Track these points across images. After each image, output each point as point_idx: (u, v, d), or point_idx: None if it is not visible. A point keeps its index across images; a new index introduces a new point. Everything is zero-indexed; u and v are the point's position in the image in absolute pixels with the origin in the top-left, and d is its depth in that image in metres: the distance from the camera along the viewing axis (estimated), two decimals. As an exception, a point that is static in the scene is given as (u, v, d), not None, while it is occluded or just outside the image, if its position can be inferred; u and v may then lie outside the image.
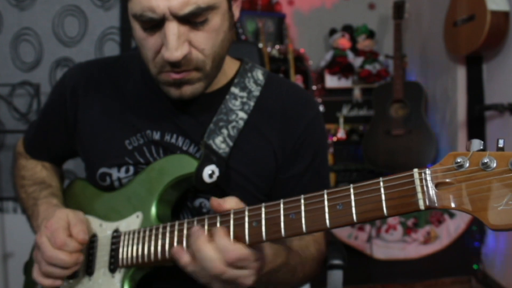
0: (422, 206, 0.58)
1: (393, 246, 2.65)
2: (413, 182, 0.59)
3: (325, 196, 0.66)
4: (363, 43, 3.48)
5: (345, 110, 3.41)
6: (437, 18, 2.96)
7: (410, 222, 2.66)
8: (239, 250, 0.72)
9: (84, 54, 2.20)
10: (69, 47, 2.22)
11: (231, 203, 0.77)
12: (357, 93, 3.39)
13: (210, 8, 0.83)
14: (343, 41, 3.46)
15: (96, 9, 2.21)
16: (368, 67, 3.37)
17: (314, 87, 3.22)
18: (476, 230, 2.67)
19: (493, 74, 2.62)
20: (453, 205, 0.56)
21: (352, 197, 0.63)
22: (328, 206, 0.65)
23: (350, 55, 3.43)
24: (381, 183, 0.61)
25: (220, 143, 0.95)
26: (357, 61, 3.43)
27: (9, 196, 2.28)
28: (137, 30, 0.87)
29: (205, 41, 0.86)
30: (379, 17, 3.70)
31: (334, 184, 3.08)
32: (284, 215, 0.69)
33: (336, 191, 0.65)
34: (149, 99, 0.99)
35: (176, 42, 0.83)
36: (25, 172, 1.14)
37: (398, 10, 3.15)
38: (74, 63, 2.20)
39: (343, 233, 2.63)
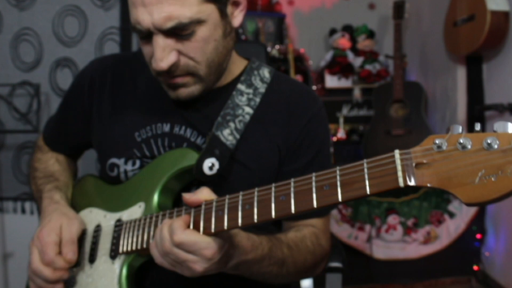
0: (401, 184, 0.61)
1: (393, 246, 2.65)
2: (394, 162, 0.62)
3: (313, 178, 0.69)
4: (363, 43, 3.47)
5: (345, 110, 3.41)
6: (437, 18, 2.96)
7: (410, 222, 2.66)
8: (184, 235, 0.76)
9: (84, 54, 2.20)
10: (69, 47, 2.22)
11: (202, 193, 0.81)
12: (357, 93, 3.39)
13: (194, 23, 0.87)
14: (343, 41, 3.46)
15: (96, 9, 2.21)
16: (368, 67, 3.37)
17: (314, 87, 3.22)
18: (476, 230, 2.67)
19: (493, 74, 2.62)
20: (429, 183, 0.59)
21: (338, 177, 0.67)
22: (316, 187, 0.69)
23: (350, 55, 3.43)
24: (365, 164, 0.65)
25: (228, 135, 0.98)
26: (357, 61, 3.42)
27: (9, 196, 2.28)
28: (139, 38, 0.94)
29: (194, 50, 0.91)
30: (379, 17, 3.70)
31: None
32: (275, 197, 0.72)
33: (324, 173, 0.69)
34: (160, 94, 1.03)
35: (161, 54, 0.88)
36: (39, 165, 1.18)
37: (398, 10, 3.14)
38: (74, 63, 2.21)
39: (343, 233, 2.63)
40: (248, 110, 1.01)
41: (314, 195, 0.68)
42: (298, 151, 1.03)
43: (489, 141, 0.56)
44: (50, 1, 2.20)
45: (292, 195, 0.70)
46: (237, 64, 1.07)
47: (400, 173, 0.61)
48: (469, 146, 0.57)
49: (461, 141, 0.58)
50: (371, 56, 3.42)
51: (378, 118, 3.16)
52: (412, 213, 2.67)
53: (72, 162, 1.24)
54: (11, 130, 2.21)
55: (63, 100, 1.18)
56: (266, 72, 1.07)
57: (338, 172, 0.67)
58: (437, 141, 0.60)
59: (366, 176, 0.64)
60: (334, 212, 2.69)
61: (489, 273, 2.65)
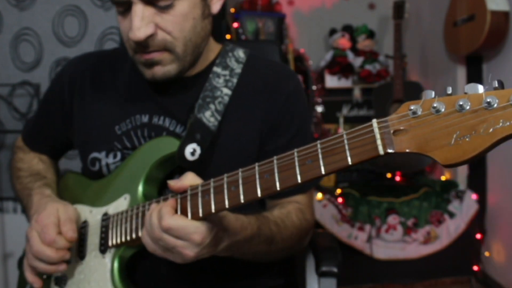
0: (381, 151, 0.62)
1: (393, 246, 2.65)
2: (372, 131, 0.63)
3: (295, 154, 0.70)
4: (363, 43, 3.47)
5: (345, 110, 3.41)
6: (437, 18, 2.96)
7: (410, 222, 2.66)
8: (172, 220, 0.76)
9: (84, 54, 2.20)
10: (69, 47, 2.22)
11: (187, 178, 0.81)
12: (357, 93, 3.39)
13: None
14: (343, 41, 3.45)
15: (96, 9, 2.21)
16: (368, 67, 3.37)
17: (314, 87, 3.22)
18: (476, 230, 2.67)
19: (493, 74, 2.62)
20: (407, 149, 0.60)
21: (319, 151, 0.67)
22: (299, 162, 0.69)
23: (350, 55, 3.43)
24: (345, 135, 0.65)
25: (209, 116, 0.98)
26: (357, 61, 3.42)
27: (9, 196, 2.28)
28: (117, 15, 0.95)
29: (172, 24, 0.91)
30: (379, 17, 3.70)
31: (334, 184, 3.08)
32: (260, 176, 0.73)
33: (306, 148, 0.69)
34: (138, 86, 1.05)
35: (139, 23, 0.89)
36: (22, 165, 1.17)
37: (398, 10, 3.14)
38: (74, 63, 2.20)
39: (343, 233, 2.63)
40: (227, 91, 1.02)
41: (298, 170, 0.69)
42: (279, 129, 1.04)
43: (461, 103, 0.56)
44: (50, 1, 2.20)
45: (276, 172, 0.71)
46: (212, 49, 1.07)
47: (379, 141, 0.62)
48: (442, 110, 0.58)
49: (435, 105, 0.59)
50: (371, 56, 3.42)
51: (378, 118, 3.15)
52: (412, 213, 2.67)
53: (54, 162, 1.23)
54: (11, 130, 2.21)
55: (43, 100, 1.18)
56: (241, 53, 1.08)
57: (319, 145, 0.68)
58: (412, 107, 0.61)
59: (347, 147, 0.64)
60: (334, 212, 2.69)
61: (489, 273, 2.65)
